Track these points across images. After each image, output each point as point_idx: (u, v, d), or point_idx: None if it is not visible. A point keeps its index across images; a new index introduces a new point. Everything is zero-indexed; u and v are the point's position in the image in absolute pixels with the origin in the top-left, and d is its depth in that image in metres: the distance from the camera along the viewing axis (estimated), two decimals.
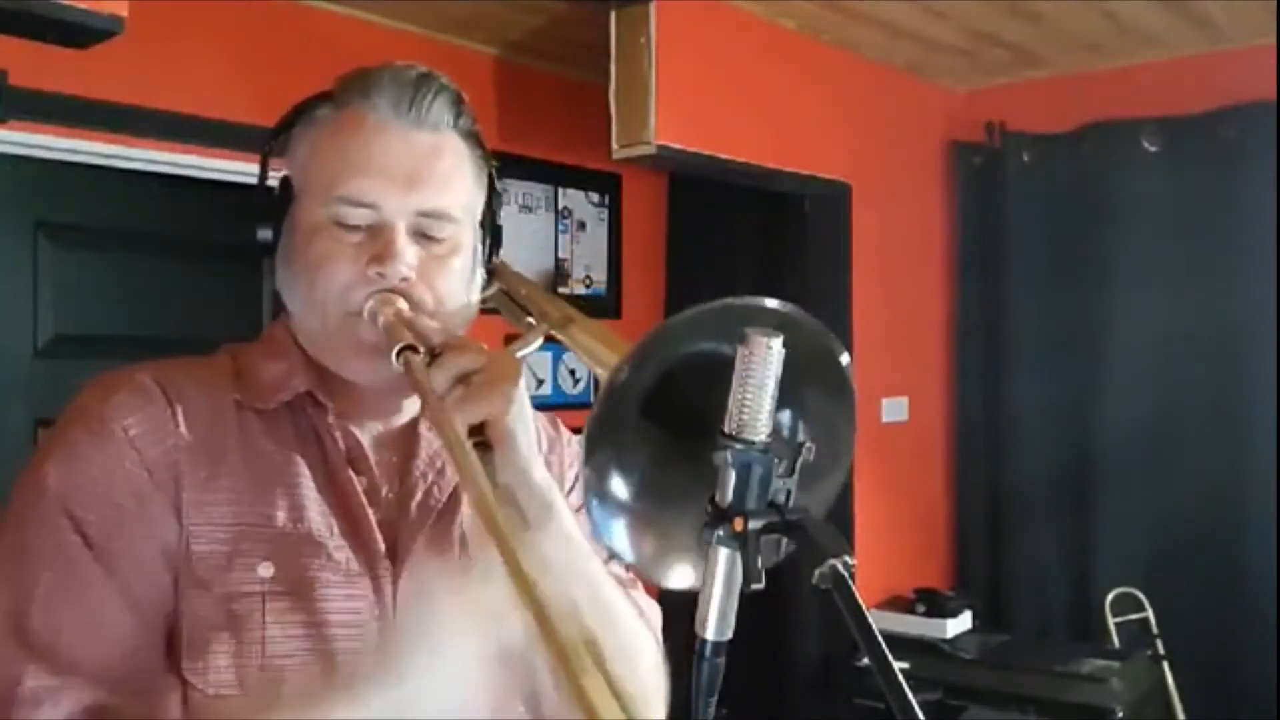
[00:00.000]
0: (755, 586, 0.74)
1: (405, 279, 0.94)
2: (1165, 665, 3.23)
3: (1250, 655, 3.16)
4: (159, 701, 0.87)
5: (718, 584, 0.76)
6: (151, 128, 2.51)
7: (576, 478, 1.09)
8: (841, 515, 3.32)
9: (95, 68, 2.25)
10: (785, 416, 0.79)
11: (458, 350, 0.89)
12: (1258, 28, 3.12)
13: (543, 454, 1.01)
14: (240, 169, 2.57)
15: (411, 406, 1.02)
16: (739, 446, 0.74)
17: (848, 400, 0.82)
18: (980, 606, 3.50)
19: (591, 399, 3.16)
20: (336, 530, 0.95)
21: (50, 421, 0.95)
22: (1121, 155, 3.45)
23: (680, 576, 0.83)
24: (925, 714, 0.65)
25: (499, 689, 0.75)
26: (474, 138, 1.01)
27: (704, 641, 0.77)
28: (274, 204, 0.99)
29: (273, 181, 1.01)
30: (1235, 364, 3.26)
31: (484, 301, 1.06)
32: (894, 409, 3.64)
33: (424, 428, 1.02)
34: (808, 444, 0.76)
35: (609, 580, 0.96)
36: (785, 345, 0.74)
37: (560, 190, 3.53)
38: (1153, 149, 3.42)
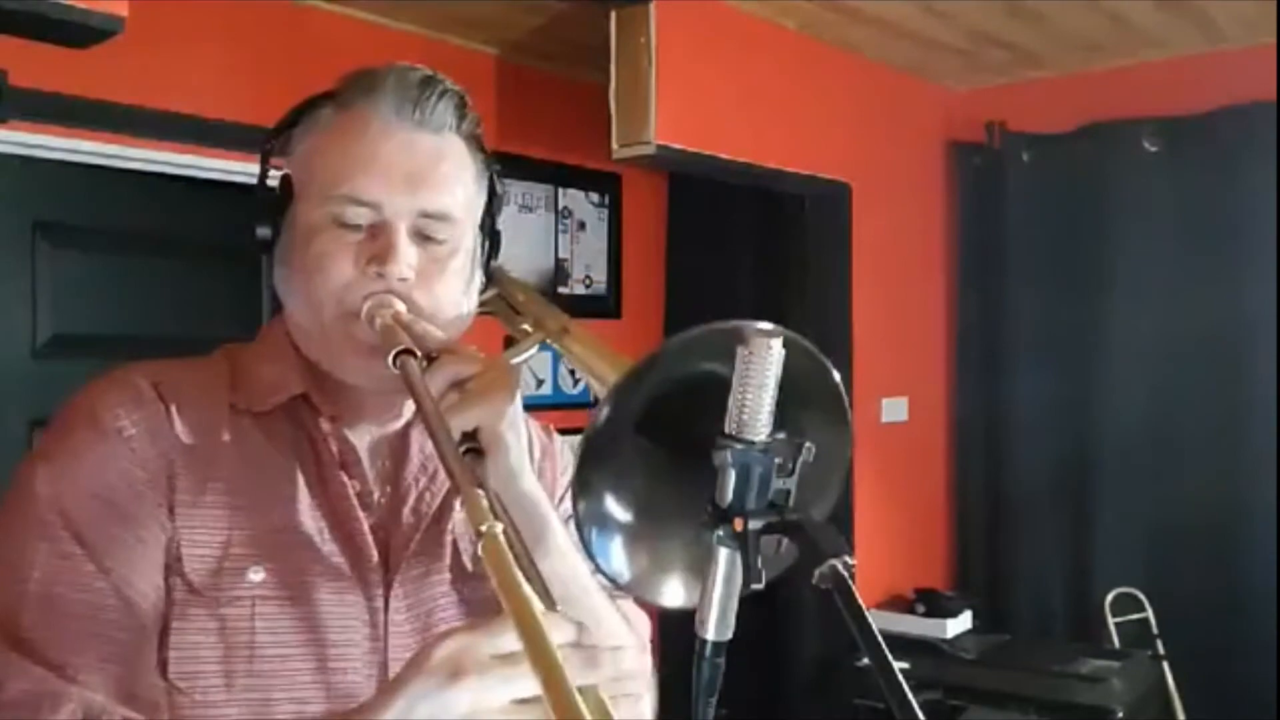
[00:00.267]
0: (755, 586, 0.74)
1: (404, 280, 0.93)
2: (1165, 665, 3.24)
3: (1250, 655, 3.16)
4: (153, 705, 0.86)
5: (718, 584, 0.76)
6: (151, 128, 2.51)
7: (569, 485, 1.09)
8: (841, 515, 3.32)
9: (95, 68, 2.25)
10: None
11: (454, 356, 0.90)
12: (1258, 28, 3.12)
13: (535, 461, 1.01)
14: (240, 169, 2.57)
15: (405, 411, 1.02)
16: (739, 446, 0.74)
17: (842, 423, 0.82)
18: (980, 606, 3.50)
19: (591, 399, 3.16)
20: (328, 535, 0.94)
21: (47, 423, 0.95)
22: (1121, 155, 3.45)
23: (673, 595, 0.83)
24: (925, 714, 0.65)
25: None
26: (476, 141, 1.01)
27: (704, 641, 0.77)
28: (274, 202, 0.98)
29: (272, 181, 1.01)
30: (1235, 364, 3.26)
31: (481, 305, 1.06)
32: (894, 409, 3.64)
33: (416, 433, 1.02)
34: (808, 444, 0.76)
35: (596, 588, 0.96)
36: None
37: (560, 190, 3.53)
38: (1153, 149, 3.42)
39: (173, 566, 0.89)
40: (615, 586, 0.85)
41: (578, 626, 0.72)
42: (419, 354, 0.88)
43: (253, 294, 2.78)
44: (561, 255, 3.54)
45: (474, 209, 1.01)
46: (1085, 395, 3.52)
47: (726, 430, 0.74)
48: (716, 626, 0.77)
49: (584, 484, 0.79)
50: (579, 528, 0.80)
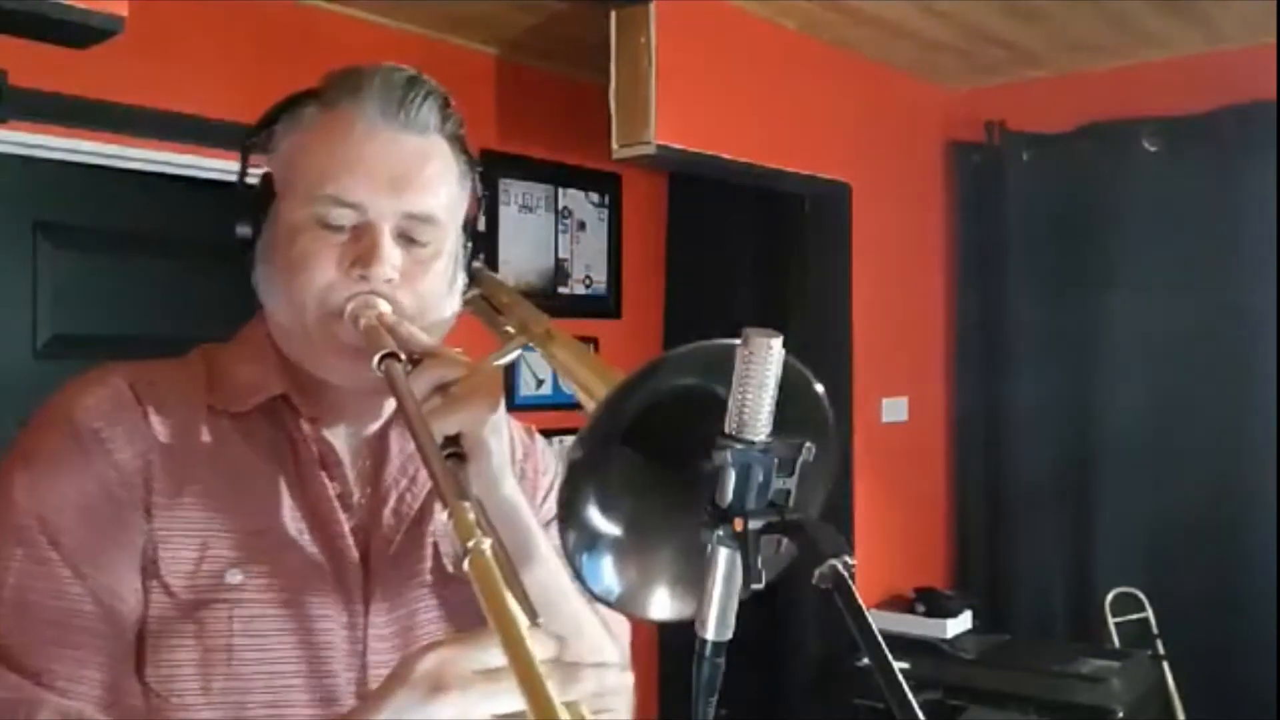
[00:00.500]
0: (755, 586, 0.74)
1: (389, 281, 0.93)
2: (1165, 665, 3.23)
3: (1250, 655, 3.16)
4: (134, 710, 0.86)
5: (718, 584, 0.76)
6: (151, 128, 2.51)
7: (550, 485, 1.09)
8: (841, 515, 3.32)
9: (95, 68, 2.25)
10: None
11: (438, 359, 0.89)
12: (1258, 28, 3.12)
13: (517, 462, 1.00)
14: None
15: (385, 411, 1.01)
16: (739, 446, 0.74)
17: (827, 438, 0.82)
18: (980, 606, 3.50)
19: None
20: (308, 536, 0.94)
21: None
22: (1121, 155, 3.45)
23: (660, 608, 0.83)
24: (925, 714, 0.65)
25: None
26: (460, 142, 1.00)
27: (704, 641, 0.77)
28: (255, 200, 0.97)
29: (253, 179, 1.00)
30: (1235, 364, 3.26)
31: (464, 305, 1.05)
32: (894, 409, 3.64)
33: (395, 433, 1.01)
34: (808, 444, 0.76)
35: (576, 593, 0.95)
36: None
37: (560, 190, 3.53)
38: (1153, 149, 3.42)
39: (149, 570, 0.88)
40: (604, 604, 0.84)
41: (559, 642, 0.72)
42: (403, 357, 0.87)
43: (253, 294, 2.77)
44: (561, 255, 3.54)
45: (457, 210, 1.00)
46: (1085, 395, 3.51)
47: (726, 430, 0.74)
48: (716, 626, 0.76)
49: (570, 500, 0.79)
50: (565, 545, 0.79)
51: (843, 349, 3.39)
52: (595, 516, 0.81)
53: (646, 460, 0.83)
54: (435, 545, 1.00)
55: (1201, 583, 3.28)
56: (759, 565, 0.74)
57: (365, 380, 0.89)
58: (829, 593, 0.70)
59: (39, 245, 2.51)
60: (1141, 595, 3.36)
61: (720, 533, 0.75)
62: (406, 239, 0.95)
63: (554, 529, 0.84)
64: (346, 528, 0.95)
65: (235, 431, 0.95)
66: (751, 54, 3.03)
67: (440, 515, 0.99)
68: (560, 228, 3.53)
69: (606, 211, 3.68)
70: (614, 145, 2.78)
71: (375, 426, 1.01)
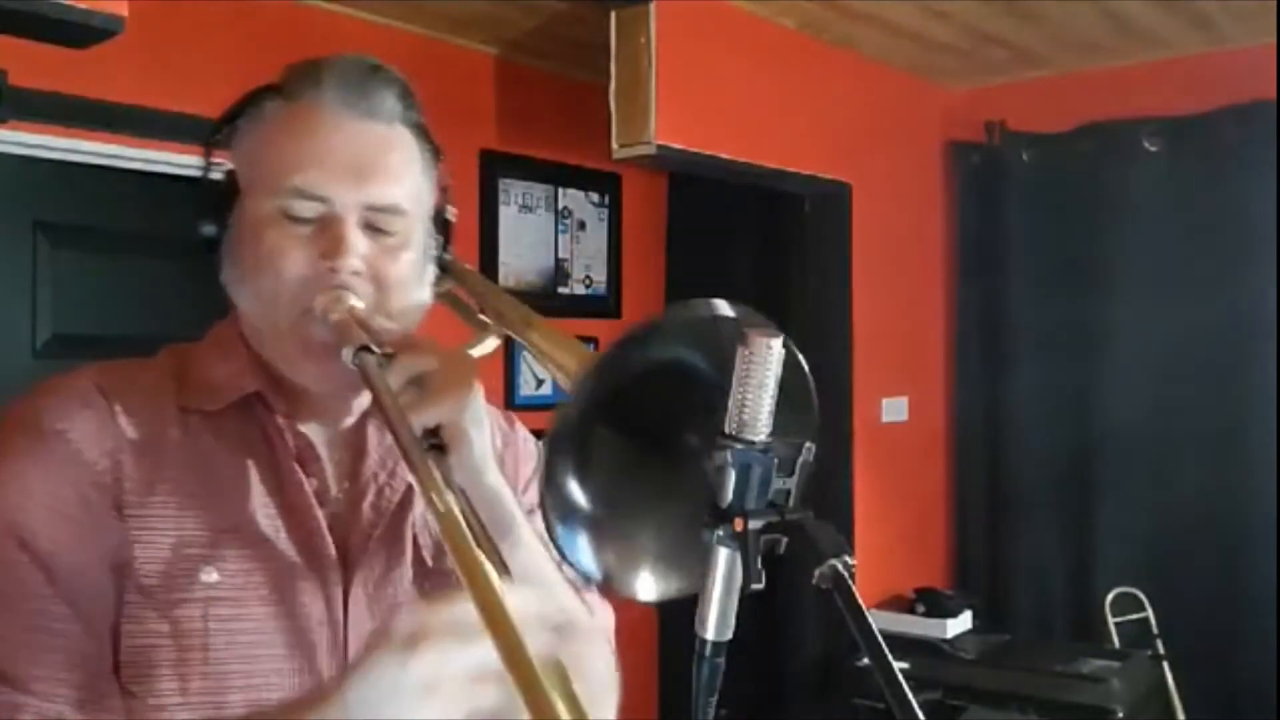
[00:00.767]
0: (755, 587, 0.74)
1: (357, 272, 0.92)
2: (1165, 665, 3.23)
3: (1250, 655, 3.16)
4: (114, 711, 0.85)
5: (718, 584, 0.76)
6: (151, 128, 2.51)
7: (532, 474, 1.08)
8: (841, 515, 3.32)
9: (95, 68, 2.25)
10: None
11: (412, 351, 0.88)
12: (1258, 28, 3.12)
13: (497, 451, 1.00)
14: None
15: (360, 405, 1.00)
16: (739, 446, 0.74)
17: (807, 412, 0.81)
18: (980, 606, 3.50)
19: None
20: (284, 533, 0.93)
21: None
22: (1121, 155, 3.45)
23: (646, 588, 0.83)
24: (925, 714, 0.65)
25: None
26: (421, 130, 0.99)
27: (704, 641, 0.77)
28: (219, 198, 0.97)
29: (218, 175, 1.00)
30: (1235, 364, 3.26)
31: (438, 297, 1.04)
32: (894, 409, 3.64)
33: (373, 427, 1.01)
34: (808, 444, 0.76)
35: (562, 582, 0.95)
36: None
37: (560, 190, 3.53)
38: (1153, 149, 3.42)
39: (123, 570, 0.87)
40: (587, 582, 0.84)
41: (537, 593, 0.72)
42: (377, 350, 0.87)
43: None
44: (561, 255, 3.54)
45: (423, 199, 0.99)
46: (1085, 394, 3.52)
47: (726, 430, 0.74)
48: (716, 626, 0.76)
49: (551, 478, 0.78)
50: (548, 524, 0.79)
51: (843, 349, 3.39)
52: (575, 492, 0.80)
53: (626, 435, 0.82)
54: (415, 539, 0.99)
55: (1201, 583, 3.28)
56: (759, 565, 0.74)
57: (339, 383, 0.89)
58: (829, 593, 0.70)
59: (39, 245, 2.51)
60: (1141, 595, 3.36)
61: (720, 533, 0.75)
62: (373, 229, 0.94)
63: (537, 518, 0.84)
64: (324, 523, 0.94)
65: (207, 430, 0.94)
66: (751, 54, 3.03)
67: (420, 508, 0.99)
68: (560, 228, 3.53)
69: (606, 211, 3.69)
70: (614, 145, 2.78)
71: (352, 420, 1.01)
